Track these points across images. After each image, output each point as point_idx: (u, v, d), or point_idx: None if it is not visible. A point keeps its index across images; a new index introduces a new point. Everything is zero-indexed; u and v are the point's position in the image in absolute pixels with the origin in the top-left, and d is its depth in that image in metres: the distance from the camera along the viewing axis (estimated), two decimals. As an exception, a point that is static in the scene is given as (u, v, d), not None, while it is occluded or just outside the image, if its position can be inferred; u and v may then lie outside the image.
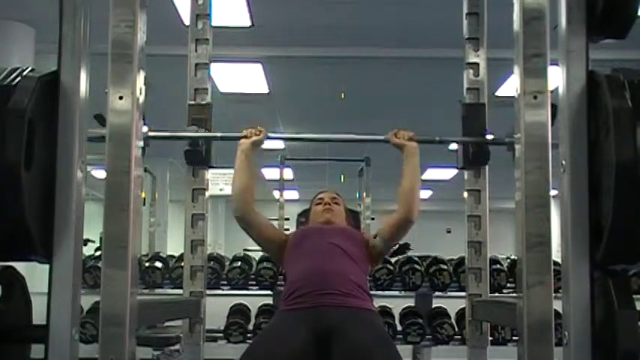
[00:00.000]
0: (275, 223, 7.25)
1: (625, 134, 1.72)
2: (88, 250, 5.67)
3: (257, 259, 5.21)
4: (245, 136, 2.86)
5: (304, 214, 3.24)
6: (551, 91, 1.95)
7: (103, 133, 2.00)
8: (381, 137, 2.91)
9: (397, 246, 3.06)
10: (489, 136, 2.97)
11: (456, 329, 4.74)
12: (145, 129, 2.27)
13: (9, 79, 1.85)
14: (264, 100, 8.94)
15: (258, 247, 3.05)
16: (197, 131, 3.00)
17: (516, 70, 2.01)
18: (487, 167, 3.05)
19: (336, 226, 2.96)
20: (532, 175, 1.93)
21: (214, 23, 3.26)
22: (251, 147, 2.85)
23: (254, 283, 5.05)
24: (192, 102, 3.17)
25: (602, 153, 1.79)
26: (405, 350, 4.30)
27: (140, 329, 2.08)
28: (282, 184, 7.93)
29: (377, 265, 2.97)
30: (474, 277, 3.03)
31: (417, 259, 5.13)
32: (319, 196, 3.11)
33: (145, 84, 2.09)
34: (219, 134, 3.06)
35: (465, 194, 3.08)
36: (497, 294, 4.72)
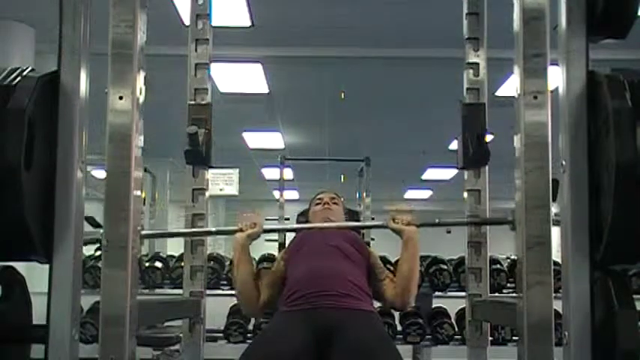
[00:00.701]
0: (274, 222, 7.27)
1: (625, 134, 1.72)
2: (88, 250, 5.66)
3: (257, 259, 5.21)
4: (241, 230, 2.77)
5: (304, 214, 3.24)
6: (551, 91, 1.95)
7: (98, 236, 1.99)
8: (379, 223, 2.85)
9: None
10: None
11: (456, 329, 4.74)
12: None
13: (9, 79, 1.85)
14: (264, 100, 8.94)
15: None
16: (197, 131, 3.00)
17: (516, 70, 2.01)
18: (487, 167, 3.04)
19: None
20: (532, 175, 1.93)
21: (214, 23, 3.26)
22: (245, 241, 2.78)
23: (254, 283, 5.05)
24: (192, 102, 3.16)
25: (602, 153, 1.79)
26: (405, 350, 4.30)
27: (140, 329, 2.08)
28: (282, 184, 7.94)
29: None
30: (473, 277, 3.03)
31: (416, 259, 5.13)
32: (318, 196, 3.11)
33: (144, 84, 2.09)
34: (213, 229, 3.03)
35: (465, 194, 3.08)
36: (497, 294, 4.72)
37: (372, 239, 7.62)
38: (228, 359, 4.27)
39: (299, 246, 2.88)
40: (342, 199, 3.22)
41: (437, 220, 2.72)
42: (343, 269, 2.69)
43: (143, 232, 2.26)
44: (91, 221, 2.11)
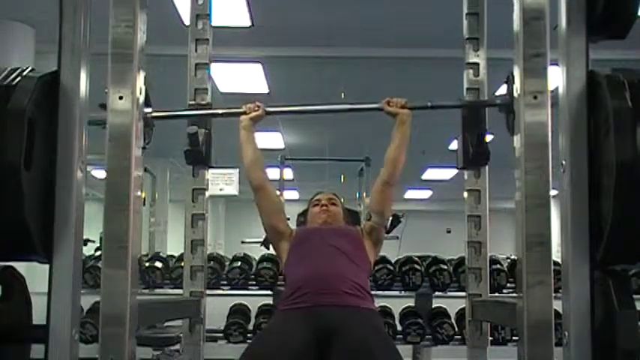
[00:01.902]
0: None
1: (625, 134, 1.72)
2: (88, 250, 5.67)
3: (257, 259, 5.22)
4: (244, 112, 2.92)
5: (304, 215, 3.24)
6: (552, 91, 1.95)
7: (104, 118, 2.00)
8: (376, 105, 2.92)
9: (390, 219, 3.07)
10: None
11: (456, 329, 4.74)
12: (148, 109, 2.26)
13: (9, 79, 1.85)
14: (264, 100, 8.89)
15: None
16: (197, 131, 3.00)
17: (516, 70, 2.01)
18: (487, 167, 3.04)
19: (336, 227, 2.96)
20: (532, 175, 1.93)
21: (214, 23, 3.26)
22: (251, 123, 2.92)
23: (254, 283, 5.06)
24: (192, 102, 3.17)
25: (602, 153, 1.79)
26: (405, 350, 4.30)
27: (140, 329, 2.08)
28: (282, 184, 7.95)
29: (380, 248, 3.00)
30: (474, 277, 3.03)
31: (417, 259, 5.14)
32: (316, 197, 3.11)
33: (144, 84, 2.09)
34: (220, 111, 3.08)
35: (465, 194, 3.08)
36: (497, 294, 4.72)
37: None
38: (228, 359, 4.28)
39: (299, 242, 2.88)
40: (342, 200, 3.21)
41: (429, 104, 2.89)
42: (343, 268, 2.69)
43: (155, 114, 2.35)
44: (104, 108, 2.11)
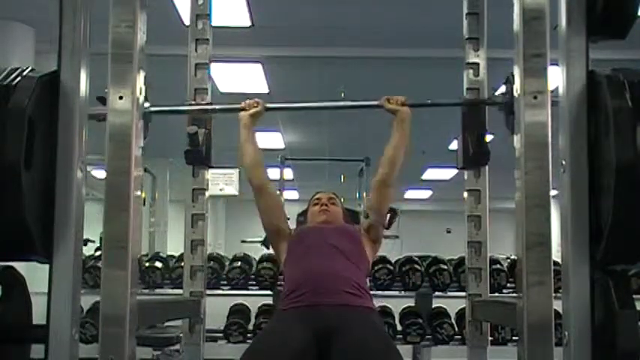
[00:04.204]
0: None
1: (625, 134, 1.72)
2: (88, 250, 5.67)
3: (257, 259, 5.22)
4: (244, 109, 2.91)
5: (304, 214, 3.24)
6: (552, 91, 1.95)
7: (104, 112, 2.01)
8: (375, 103, 2.92)
9: (389, 215, 3.07)
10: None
11: (456, 329, 4.74)
12: (146, 104, 2.25)
13: (9, 79, 1.85)
14: (264, 100, 8.92)
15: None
16: (197, 131, 3.00)
17: (516, 70, 2.01)
18: (487, 167, 3.04)
19: (335, 226, 2.96)
20: (532, 175, 1.93)
21: (214, 23, 3.26)
22: (251, 119, 2.91)
23: (254, 283, 5.06)
24: (192, 102, 3.17)
25: (602, 153, 1.79)
26: (405, 350, 4.30)
27: (140, 329, 2.08)
28: (282, 184, 7.94)
29: (379, 246, 3.00)
30: (474, 277, 3.03)
31: (417, 259, 5.14)
32: (316, 196, 3.11)
33: (144, 84, 2.09)
34: (217, 107, 3.09)
35: (465, 194, 3.08)
36: (497, 294, 4.72)
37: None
38: (228, 359, 4.28)
39: (299, 242, 2.88)
40: (342, 200, 3.21)
41: (429, 101, 2.93)
42: (343, 268, 2.69)
43: (153, 109, 2.31)
44: (102, 101, 2.11)
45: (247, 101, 2.92)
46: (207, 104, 3.15)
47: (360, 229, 2.98)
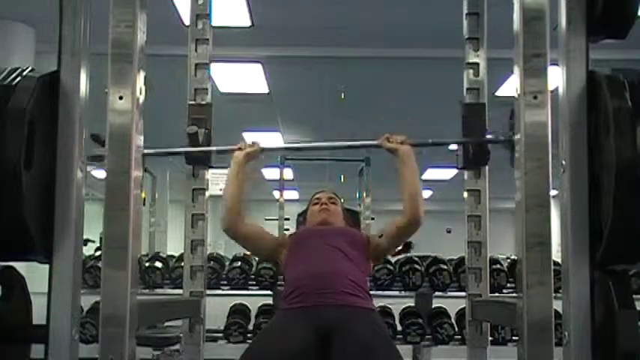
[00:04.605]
0: (275, 223, 7.27)
1: (625, 134, 1.72)
2: (88, 250, 5.67)
3: (257, 259, 5.21)
4: (240, 148, 2.88)
5: (304, 214, 3.23)
6: (552, 91, 1.95)
7: (102, 153, 2.00)
8: (375, 142, 2.90)
9: (402, 246, 3.05)
10: (488, 136, 2.96)
11: (456, 329, 4.74)
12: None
13: (9, 79, 1.85)
14: (264, 100, 8.93)
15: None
16: (197, 131, 3.00)
17: (516, 70, 2.01)
18: (487, 167, 3.04)
19: (336, 227, 2.96)
20: (532, 175, 1.93)
21: (214, 23, 3.26)
22: (243, 159, 2.87)
23: (254, 283, 5.06)
24: (192, 102, 3.17)
25: (602, 153, 1.79)
26: (405, 350, 4.30)
27: (140, 329, 2.08)
28: (282, 184, 7.92)
29: (378, 264, 2.97)
30: (473, 277, 3.03)
31: (417, 259, 5.14)
32: (316, 195, 3.10)
33: (144, 84, 2.09)
34: (214, 148, 3.09)
35: (465, 194, 3.08)
36: (497, 294, 4.72)
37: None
38: (228, 359, 4.28)
39: (299, 242, 2.87)
40: (342, 200, 3.21)
41: (430, 141, 2.87)
42: (343, 268, 2.69)
43: (145, 151, 2.22)
44: (96, 139, 2.11)
45: (243, 143, 2.91)
46: (208, 105, 3.16)
47: (366, 236, 2.95)
